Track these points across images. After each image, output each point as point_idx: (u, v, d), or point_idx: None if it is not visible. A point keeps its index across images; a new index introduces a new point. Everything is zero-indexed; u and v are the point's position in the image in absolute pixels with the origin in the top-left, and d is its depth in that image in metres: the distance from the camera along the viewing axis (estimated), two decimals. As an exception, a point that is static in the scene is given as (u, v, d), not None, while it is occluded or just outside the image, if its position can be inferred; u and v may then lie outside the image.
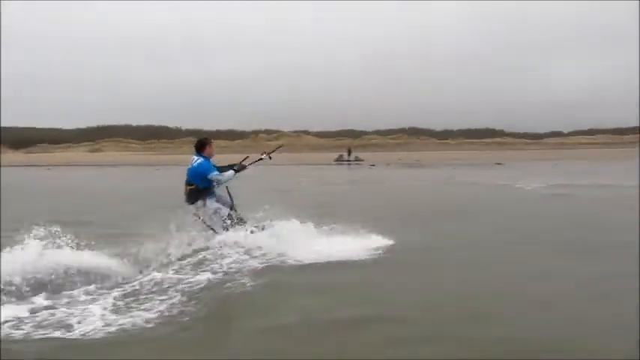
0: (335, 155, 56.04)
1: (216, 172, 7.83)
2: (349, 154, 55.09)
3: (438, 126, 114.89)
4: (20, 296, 5.30)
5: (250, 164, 8.40)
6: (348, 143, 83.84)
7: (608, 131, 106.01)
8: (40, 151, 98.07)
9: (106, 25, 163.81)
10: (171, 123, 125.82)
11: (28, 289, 5.43)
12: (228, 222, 7.85)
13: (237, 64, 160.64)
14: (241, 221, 7.99)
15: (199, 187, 7.82)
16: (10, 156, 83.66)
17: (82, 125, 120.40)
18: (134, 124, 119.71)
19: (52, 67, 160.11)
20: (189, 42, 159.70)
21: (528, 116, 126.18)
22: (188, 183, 7.89)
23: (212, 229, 7.84)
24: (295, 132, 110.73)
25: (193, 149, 8.20)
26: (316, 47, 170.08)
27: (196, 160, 7.89)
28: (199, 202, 7.84)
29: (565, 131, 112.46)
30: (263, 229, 7.83)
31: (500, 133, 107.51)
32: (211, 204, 7.87)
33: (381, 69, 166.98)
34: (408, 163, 46.38)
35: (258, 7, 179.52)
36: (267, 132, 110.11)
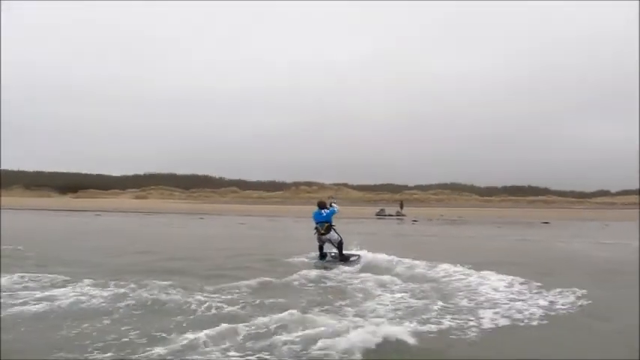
0: (376, 209, 55.81)
1: (336, 211, 14.49)
2: (401, 208, 54.96)
3: (480, 182, 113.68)
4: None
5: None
6: (398, 197, 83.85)
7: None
8: (88, 196, 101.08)
9: (154, 87, 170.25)
10: (215, 173, 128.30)
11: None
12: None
13: (277, 118, 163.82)
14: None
15: (331, 224, 14.13)
16: (57, 200, 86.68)
17: (129, 172, 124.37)
18: (178, 172, 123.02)
19: (105, 118, 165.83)
20: (232, 100, 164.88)
21: (574, 174, 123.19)
22: (323, 222, 14.08)
23: (336, 246, 14.15)
24: (335, 184, 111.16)
25: (316, 207, 14.72)
26: (356, 101, 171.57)
27: (325, 210, 14.26)
28: (330, 233, 14.06)
29: (613, 190, 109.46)
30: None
31: (544, 191, 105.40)
32: (334, 234, 14.16)
33: (419, 126, 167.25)
34: (451, 220, 45.82)
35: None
36: (308, 184, 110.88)
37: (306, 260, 14.22)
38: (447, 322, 7.49)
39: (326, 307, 8.44)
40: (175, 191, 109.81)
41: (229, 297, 8.99)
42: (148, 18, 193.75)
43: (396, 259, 13.57)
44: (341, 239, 14.02)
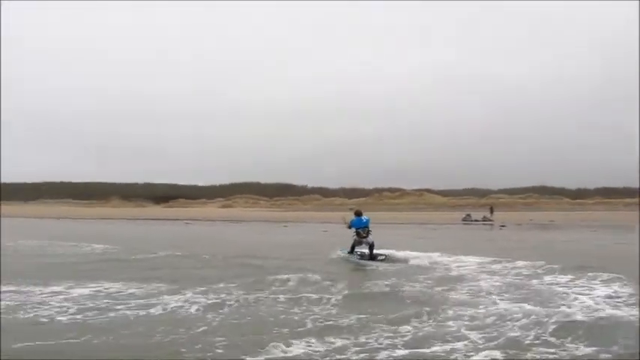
0: (461, 215, 54.46)
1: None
2: (491, 213, 53.45)
3: (571, 184, 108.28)
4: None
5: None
6: (485, 202, 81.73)
7: None
8: (178, 206, 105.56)
9: (248, 99, 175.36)
10: (298, 181, 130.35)
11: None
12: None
13: (358, 126, 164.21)
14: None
15: (369, 229, 17.04)
16: (151, 209, 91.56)
17: (217, 183, 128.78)
18: (263, 181, 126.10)
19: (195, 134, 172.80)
20: (310, 109, 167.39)
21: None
22: (366, 227, 16.98)
23: (371, 246, 16.84)
24: (417, 190, 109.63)
25: (353, 214, 17.69)
26: (436, 107, 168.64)
27: (364, 217, 17.19)
28: (370, 236, 16.94)
29: None
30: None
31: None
32: (371, 237, 17.00)
33: (505, 125, 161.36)
34: (541, 224, 43.95)
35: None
36: (390, 190, 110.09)
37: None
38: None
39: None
40: (260, 200, 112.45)
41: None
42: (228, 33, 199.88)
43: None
44: (373, 242, 16.97)
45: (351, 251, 17.15)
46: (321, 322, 8.06)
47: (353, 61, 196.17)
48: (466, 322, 7.87)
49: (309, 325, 7.83)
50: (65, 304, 9.31)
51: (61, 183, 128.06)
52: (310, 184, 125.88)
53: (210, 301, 9.54)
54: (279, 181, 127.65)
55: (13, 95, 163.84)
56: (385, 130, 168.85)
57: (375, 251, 16.81)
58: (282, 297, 9.93)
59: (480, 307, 8.92)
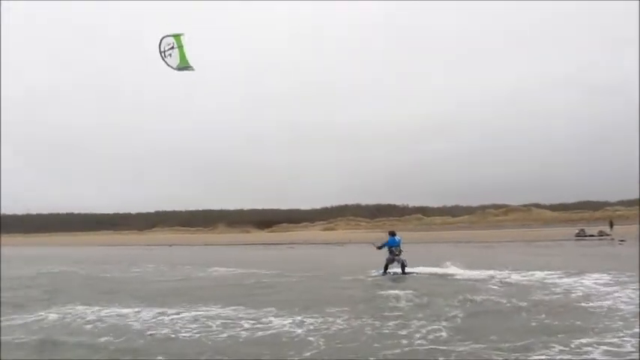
0: (574, 230, 51.15)
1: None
2: (611, 227, 49.73)
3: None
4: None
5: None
6: (600, 215, 76.76)
7: None
8: (281, 230, 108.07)
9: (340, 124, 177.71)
10: (399, 201, 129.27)
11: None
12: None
13: (457, 143, 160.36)
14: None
15: (400, 247, 18.82)
16: (255, 235, 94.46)
17: (318, 206, 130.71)
18: (363, 203, 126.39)
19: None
20: (407, 128, 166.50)
21: None
22: (398, 245, 18.75)
23: (403, 265, 18.51)
24: (524, 205, 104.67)
25: (388, 234, 19.49)
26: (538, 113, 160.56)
27: (397, 237, 18.97)
28: (402, 254, 18.68)
29: None
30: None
31: None
32: (403, 255, 18.74)
33: (618, 125, 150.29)
34: (667, 238, 40.26)
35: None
36: (495, 206, 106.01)
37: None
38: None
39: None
40: (362, 221, 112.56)
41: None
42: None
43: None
44: (404, 260, 18.71)
45: (384, 272, 18.84)
46: (429, 348, 7.86)
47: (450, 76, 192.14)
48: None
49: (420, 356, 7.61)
50: (180, 323, 9.90)
51: (173, 212, 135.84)
52: (411, 204, 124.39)
53: (316, 325, 9.64)
54: (380, 202, 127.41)
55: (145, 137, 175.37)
56: (482, 143, 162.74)
57: (406, 269, 18.53)
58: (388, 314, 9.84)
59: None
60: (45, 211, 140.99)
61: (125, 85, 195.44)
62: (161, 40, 11.04)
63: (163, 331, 9.52)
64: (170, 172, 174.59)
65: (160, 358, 7.67)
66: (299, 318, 10.33)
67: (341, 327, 9.46)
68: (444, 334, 8.63)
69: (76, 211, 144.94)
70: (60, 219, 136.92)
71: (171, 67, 11.06)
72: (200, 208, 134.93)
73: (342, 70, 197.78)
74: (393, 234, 19.27)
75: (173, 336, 9.15)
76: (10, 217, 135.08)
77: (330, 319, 10.10)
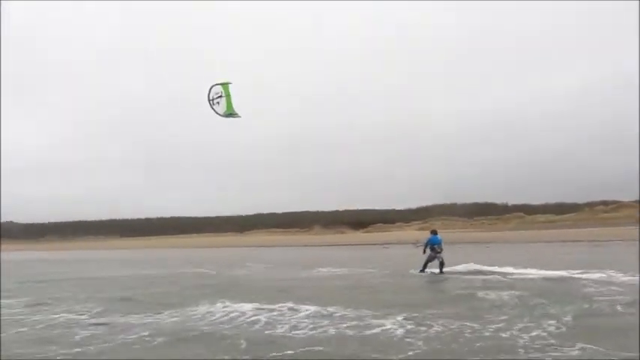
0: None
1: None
2: None
3: None
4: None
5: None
6: None
7: None
8: (376, 231, 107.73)
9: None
10: (498, 199, 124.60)
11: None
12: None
13: (556, 136, 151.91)
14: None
15: (442, 246, 19.90)
16: (350, 236, 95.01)
17: (413, 206, 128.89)
18: (460, 202, 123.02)
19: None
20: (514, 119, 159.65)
21: None
22: (439, 244, 19.79)
23: (442, 263, 19.53)
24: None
25: (430, 233, 20.81)
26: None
27: (439, 236, 20.02)
28: (443, 252, 19.81)
29: None
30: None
31: None
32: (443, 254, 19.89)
33: None
34: None
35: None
36: (604, 203, 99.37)
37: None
38: None
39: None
40: (458, 221, 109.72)
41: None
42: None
43: None
44: (443, 259, 19.83)
45: (423, 269, 20.14)
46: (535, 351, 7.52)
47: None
48: None
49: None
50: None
51: (270, 214, 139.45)
52: (511, 202, 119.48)
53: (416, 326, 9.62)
54: (477, 200, 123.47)
55: (245, 144, 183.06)
56: (591, 134, 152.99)
57: (444, 269, 19.75)
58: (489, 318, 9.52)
59: None
60: (145, 216, 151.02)
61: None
62: (210, 89, 11.72)
63: (280, 328, 9.85)
64: (267, 176, 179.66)
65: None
66: (399, 318, 10.40)
67: (439, 329, 9.37)
68: (552, 340, 8.28)
69: (177, 215, 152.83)
70: (163, 222, 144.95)
71: (219, 114, 11.73)
72: (296, 210, 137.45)
73: (432, 65, 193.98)
74: (435, 232, 20.61)
75: (290, 334, 9.45)
76: (130, 220, 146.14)
77: (428, 321, 10.04)
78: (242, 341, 8.86)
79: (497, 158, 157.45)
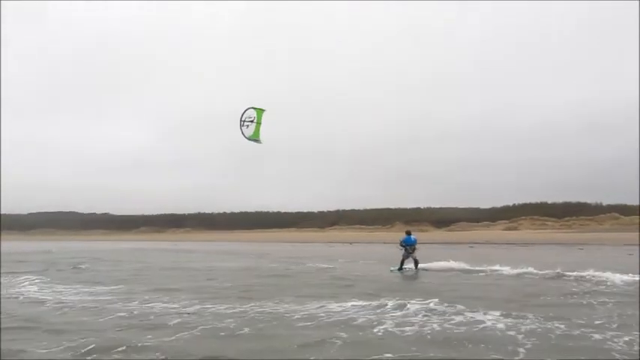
0: None
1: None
2: None
3: None
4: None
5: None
6: None
7: None
8: (460, 229, 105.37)
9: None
10: (591, 199, 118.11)
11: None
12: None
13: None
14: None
15: (415, 245, 21.34)
16: (432, 233, 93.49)
17: (499, 204, 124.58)
18: (550, 201, 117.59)
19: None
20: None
21: None
22: (413, 244, 21.27)
23: (416, 259, 21.22)
24: None
25: (405, 234, 22.19)
26: None
27: (413, 237, 21.52)
28: (416, 252, 21.27)
29: None
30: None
31: None
32: (417, 253, 21.40)
33: None
34: None
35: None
36: None
37: None
38: None
39: None
40: (548, 221, 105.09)
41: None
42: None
43: None
44: (417, 258, 21.48)
45: (400, 267, 21.42)
46: None
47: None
48: None
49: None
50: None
51: (352, 210, 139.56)
52: (605, 202, 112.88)
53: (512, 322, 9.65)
54: (569, 200, 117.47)
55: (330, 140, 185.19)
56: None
57: (419, 265, 21.44)
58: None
59: None
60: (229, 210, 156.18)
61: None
62: (246, 110, 12.48)
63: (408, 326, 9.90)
64: (350, 172, 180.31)
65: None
66: (496, 314, 10.55)
67: (533, 326, 9.41)
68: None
69: (264, 210, 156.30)
70: (248, 217, 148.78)
71: (244, 135, 12.49)
72: (378, 207, 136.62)
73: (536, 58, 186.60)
74: (409, 233, 22.16)
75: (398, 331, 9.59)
76: (213, 215, 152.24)
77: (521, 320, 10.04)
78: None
79: (590, 157, 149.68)
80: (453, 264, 22.26)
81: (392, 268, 21.52)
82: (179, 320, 10.47)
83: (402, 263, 21.30)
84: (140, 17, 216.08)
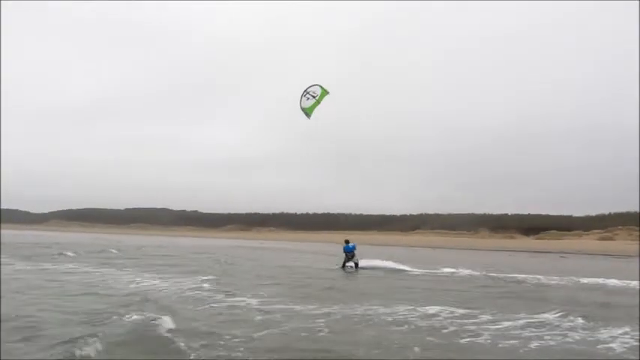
0: None
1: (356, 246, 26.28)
2: None
3: None
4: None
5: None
6: None
7: None
8: (550, 238, 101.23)
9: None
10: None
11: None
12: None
13: None
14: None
15: (354, 252, 25.69)
16: (521, 241, 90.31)
17: (592, 212, 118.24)
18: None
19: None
20: None
21: None
22: (351, 251, 25.57)
23: (356, 263, 25.53)
24: None
25: (344, 242, 26.35)
26: None
27: (351, 244, 25.70)
28: (355, 257, 25.63)
29: None
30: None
31: None
32: (357, 257, 25.71)
33: None
34: None
35: None
36: None
37: None
38: None
39: None
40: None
41: None
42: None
43: None
44: (358, 260, 25.44)
45: (343, 266, 25.65)
46: None
47: None
48: None
49: None
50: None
51: (435, 215, 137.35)
52: None
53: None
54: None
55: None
56: None
57: (360, 264, 25.47)
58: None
59: None
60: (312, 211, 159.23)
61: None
62: (313, 85, 13.55)
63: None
64: (435, 174, 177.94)
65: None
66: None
67: None
68: None
69: (346, 212, 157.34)
70: (329, 219, 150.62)
71: (300, 105, 13.58)
72: (462, 212, 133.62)
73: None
74: (347, 242, 26.11)
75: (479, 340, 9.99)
76: (296, 215, 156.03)
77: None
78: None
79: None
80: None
81: (335, 265, 26.28)
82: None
83: (343, 264, 25.58)
84: (243, 31, 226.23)
